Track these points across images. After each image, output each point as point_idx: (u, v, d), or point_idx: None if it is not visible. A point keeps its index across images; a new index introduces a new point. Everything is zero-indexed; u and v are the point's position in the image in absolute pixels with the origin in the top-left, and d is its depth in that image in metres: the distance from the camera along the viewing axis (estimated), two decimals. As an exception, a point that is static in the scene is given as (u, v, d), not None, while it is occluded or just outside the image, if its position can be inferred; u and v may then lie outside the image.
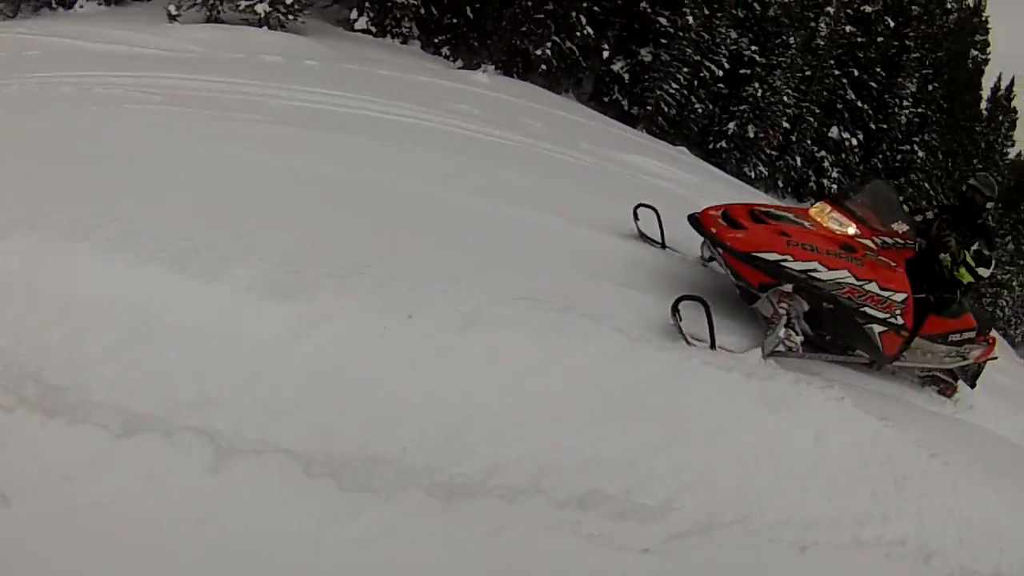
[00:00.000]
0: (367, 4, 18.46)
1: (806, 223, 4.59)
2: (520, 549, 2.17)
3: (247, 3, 15.66)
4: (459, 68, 18.62)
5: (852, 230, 4.57)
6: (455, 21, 20.61)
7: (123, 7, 18.66)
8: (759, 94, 25.84)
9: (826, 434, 3.11)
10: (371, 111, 7.68)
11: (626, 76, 23.90)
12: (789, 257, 4.29)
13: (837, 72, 28.28)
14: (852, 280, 4.44)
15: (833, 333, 4.94)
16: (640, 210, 5.55)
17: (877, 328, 4.68)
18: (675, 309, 4.15)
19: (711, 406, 3.03)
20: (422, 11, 19.57)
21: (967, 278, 5.13)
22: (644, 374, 3.11)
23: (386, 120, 7.33)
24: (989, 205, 5.35)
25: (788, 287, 4.37)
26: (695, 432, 2.87)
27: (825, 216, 4.61)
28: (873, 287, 4.52)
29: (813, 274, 4.35)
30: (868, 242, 4.61)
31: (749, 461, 2.80)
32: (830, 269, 4.38)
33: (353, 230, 3.83)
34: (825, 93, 28.08)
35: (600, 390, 2.94)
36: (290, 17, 16.11)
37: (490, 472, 2.46)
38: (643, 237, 5.54)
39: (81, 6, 19.02)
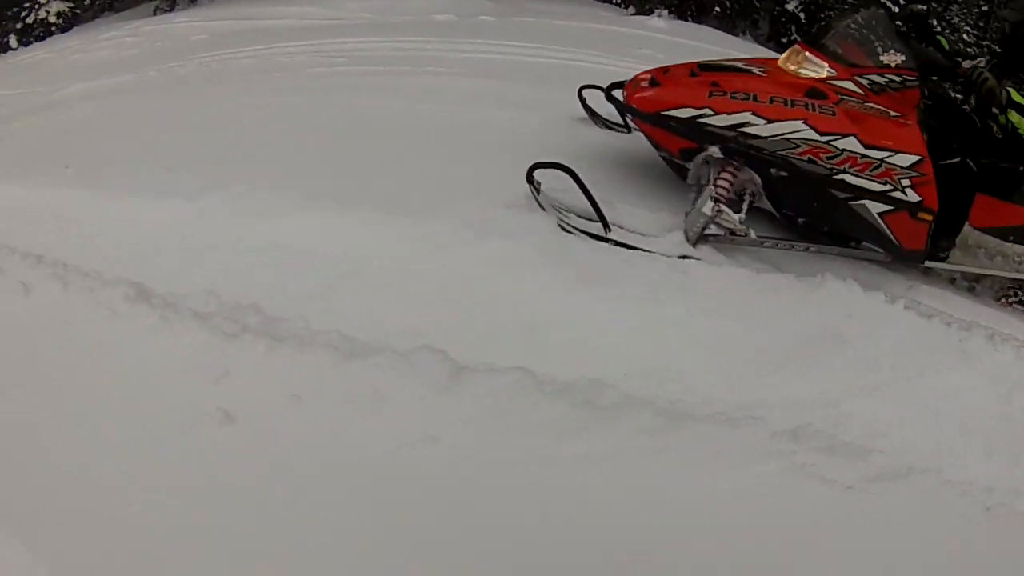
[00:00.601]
0: None
1: (758, 70, 3.92)
2: (739, 473, 2.35)
3: None
4: (632, 15, 18.98)
5: (821, 70, 3.79)
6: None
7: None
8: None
9: (1015, 396, 3.06)
10: (555, 59, 8.03)
11: (802, 15, 23.46)
12: (708, 110, 3.69)
13: None
14: (810, 134, 3.60)
15: (808, 215, 4.00)
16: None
17: (873, 206, 3.70)
18: (530, 178, 3.84)
19: (908, 354, 3.18)
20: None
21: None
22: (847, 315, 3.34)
23: (571, 67, 7.69)
24: None
25: (715, 150, 3.75)
26: (890, 379, 3.04)
27: (795, 61, 3.87)
28: (851, 144, 3.60)
29: (745, 129, 3.65)
30: (847, 83, 3.75)
31: (939, 413, 2.90)
32: (770, 121, 3.62)
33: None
34: None
35: (804, 331, 3.21)
36: None
37: (706, 401, 2.71)
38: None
39: (236, -8, 21.16)
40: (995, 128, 3.90)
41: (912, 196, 3.64)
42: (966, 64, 4.06)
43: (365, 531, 2.12)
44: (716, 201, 3.66)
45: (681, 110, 3.73)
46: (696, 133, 3.74)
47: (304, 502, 2.20)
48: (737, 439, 2.44)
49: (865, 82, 3.75)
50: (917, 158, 3.61)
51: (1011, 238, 3.95)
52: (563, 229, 3.75)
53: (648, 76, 4.02)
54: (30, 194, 4.93)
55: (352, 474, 2.29)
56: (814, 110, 3.62)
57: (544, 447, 2.30)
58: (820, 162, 3.61)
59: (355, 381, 2.55)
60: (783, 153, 3.63)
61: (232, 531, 2.12)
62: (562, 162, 3.71)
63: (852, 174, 3.62)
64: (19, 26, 26.18)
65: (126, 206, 4.22)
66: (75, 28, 25.29)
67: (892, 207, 3.67)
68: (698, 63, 4.09)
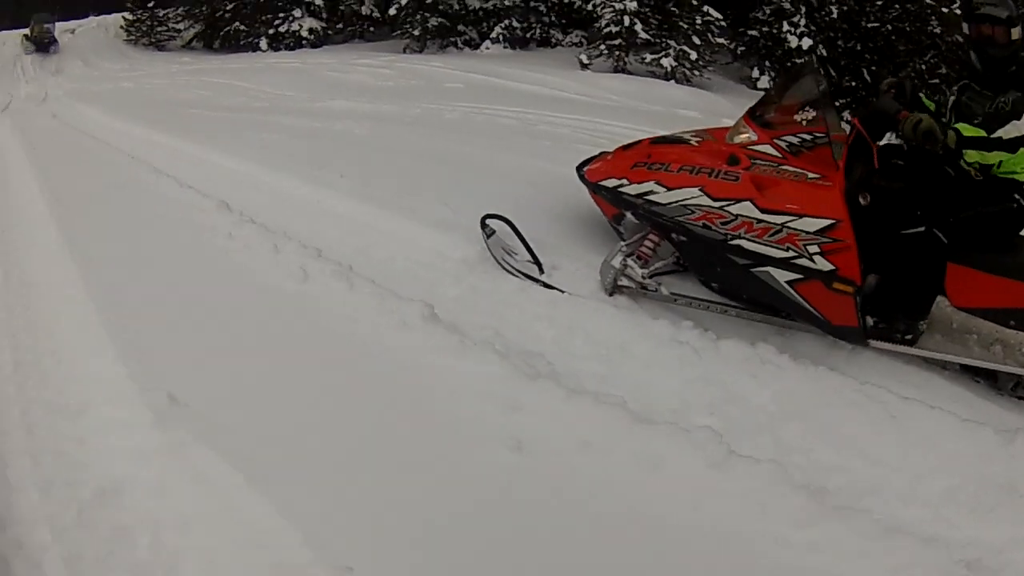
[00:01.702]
0: (767, 63, 19.16)
1: (696, 141, 4.02)
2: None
3: (654, 56, 17.51)
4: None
5: (746, 137, 3.81)
6: (853, 84, 20.76)
7: (528, 51, 21.37)
8: None
9: None
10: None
11: None
12: (625, 180, 3.92)
13: None
14: (704, 200, 3.59)
15: (718, 281, 3.95)
16: None
17: (779, 274, 3.49)
18: (483, 224, 4.28)
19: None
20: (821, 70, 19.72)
21: (988, 159, 3.29)
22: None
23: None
24: (1017, 35, 3.37)
25: (629, 216, 4.00)
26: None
27: (733, 130, 3.93)
28: (746, 208, 3.49)
29: (649, 197, 3.79)
30: (765, 147, 3.70)
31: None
32: (670, 189, 3.72)
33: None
34: None
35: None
36: (695, 72, 17.57)
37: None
38: None
39: (488, 47, 22.50)
40: (973, 172, 3.44)
41: (823, 264, 3.39)
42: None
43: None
44: (626, 256, 3.88)
45: (608, 180, 4.05)
46: (616, 200, 4.03)
47: (580, 538, 2.41)
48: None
49: (783, 144, 3.67)
50: (828, 222, 3.36)
51: (1012, 322, 3.47)
52: (504, 270, 4.16)
53: (614, 150, 4.37)
54: (302, 188, 5.70)
55: (624, 523, 2.48)
56: (716, 176, 3.63)
57: (782, 529, 2.47)
58: (714, 227, 3.57)
59: (640, 441, 2.77)
60: (679, 219, 3.69)
61: (521, 544, 2.35)
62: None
63: (748, 239, 3.50)
64: (271, 31, 29.03)
65: (402, 227, 4.76)
66: (324, 47, 27.76)
67: (800, 275, 3.45)
68: (657, 137, 4.32)
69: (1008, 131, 3.27)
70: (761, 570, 2.35)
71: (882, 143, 3.71)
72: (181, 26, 34.96)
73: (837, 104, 17.62)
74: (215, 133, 8.37)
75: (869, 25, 19.74)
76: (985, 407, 3.32)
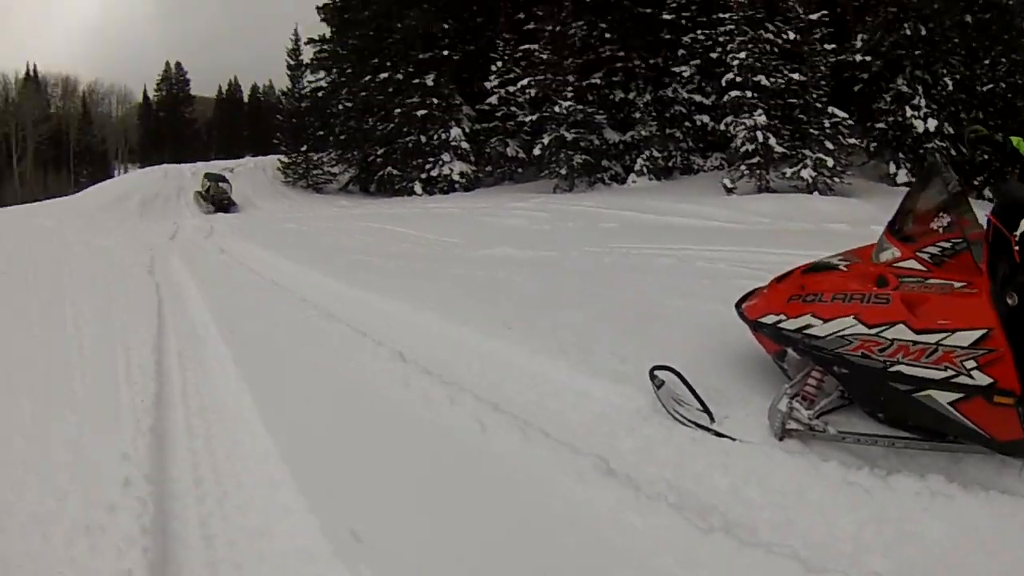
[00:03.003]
0: (901, 156, 19.01)
1: (845, 265, 3.94)
2: None
3: (792, 169, 17.88)
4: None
5: (890, 254, 3.68)
6: (987, 156, 19.75)
7: (672, 180, 22.13)
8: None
9: None
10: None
11: None
12: (783, 315, 3.86)
13: None
14: (860, 328, 3.48)
15: (882, 411, 3.74)
16: None
17: (940, 396, 3.29)
18: (652, 376, 4.26)
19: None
20: (952, 152, 18.94)
21: None
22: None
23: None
24: None
25: (791, 352, 3.95)
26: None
27: (877, 247, 3.82)
28: (900, 332, 3.34)
29: (807, 331, 3.71)
30: (909, 263, 3.57)
31: None
32: (826, 320, 3.63)
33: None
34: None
35: None
36: (835, 179, 17.78)
37: None
38: None
39: (634, 181, 23.21)
40: None
41: (981, 379, 3.17)
42: None
43: None
44: (791, 399, 3.80)
45: (767, 316, 4.01)
46: (776, 337, 3.97)
47: None
48: None
49: (926, 256, 3.53)
50: (981, 332, 3.17)
51: None
52: (676, 420, 4.09)
53: (769, 283, 4.34)
54: (471, 337, 5.85)
55: None
56: (868, 302, 3.52)
57: None
58: (873, 356, 3.44)
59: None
60: (838, 351, 3.58)
61: None
62: None
63: (907, 364, 3.34)
64: (423, 176, 30.85)
65: (574, 378, 4.81)
66: (477, 189, 29.24)
67: (961, 394, 3.23)
68: (808, 266, 4.20)
69: None
70: None
71: (1019, 232, 3.52)
72: (336, 169, 37.70)
73: (977, 182, 17.81)
74: (383, 280, 8.85)
75: (984, 88, 19.53)
76: None
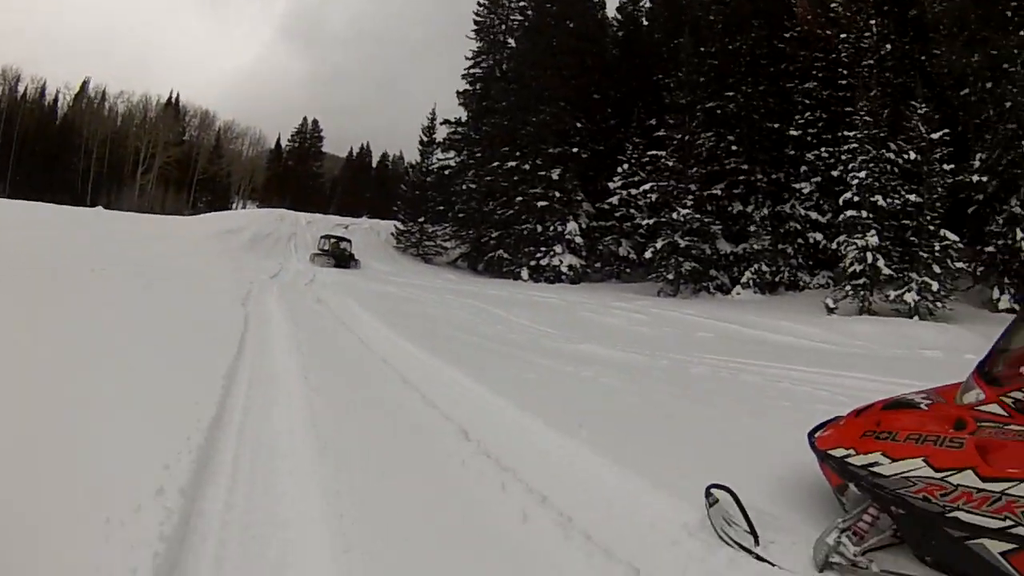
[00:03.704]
0: (1007, 280, 18.31)
1: (926, 404, 3.82)
2: None
3: (896, 293, 17.45)
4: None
5: (974, 395, 3.50)
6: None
7: (776, 295, 21.85)
8: None
9: None
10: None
11: None
12: (853, 451, 3.79)
13: None
14: (926, 471, 3.36)
15: (931, 554, 3.52)
16: None
17: (994, 545, 3.13)
18: (708, 493, 4.16)
19: None
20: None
21: None
22: None
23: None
24: None
25: (852, 487, 3.84)
26: None
27: (963, 388, 3.64)
28: (967, 478, 3.19)
29: (873, 469, 3.62)
30: (991, 407, 3.36)
31: None
32: (894, 460, 3.53)
33: None
34: None
35: None
36: (938, 304, 17.23)
37: None
38: None
39: (739, 293, 23.03)
40: None
41: None
42: None
43: None
44: (841, 532, 3.68)
45: (837, 450, 3.92)
46: (842, 471, 3.87)
47: None
48: None
49: (1009, 401, 3.33)
50: None
51: None
52: (720, 539, 3.97)
53: (847, 415, 4.25)
54: (540, 429, 5.78)
55: None
56: (941, 444, 3.40)
57: None
58: (934, 500, 3.32)
59: None
60: (900, 491, 3.48)
61: None
62: None
63: (966, 511, 3.20)
64: (532, 263, 31.34)
65: (631, 484, 4.73)
66: (582, 283, 29.49)
67: (1016, 545, 3.07)
68: (889, 401, 4.09)
69: None
70: None
71: None
72: (448, 244, 38.77)
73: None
74: (470, 358, 8.93)
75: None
76: None
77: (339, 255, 31.28)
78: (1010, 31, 18.35)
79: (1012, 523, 3.11)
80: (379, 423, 5.86)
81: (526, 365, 8.87)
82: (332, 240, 33.17)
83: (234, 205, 80.00)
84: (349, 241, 33.69)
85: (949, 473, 3.31)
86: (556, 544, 3.93)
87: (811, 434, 4.39)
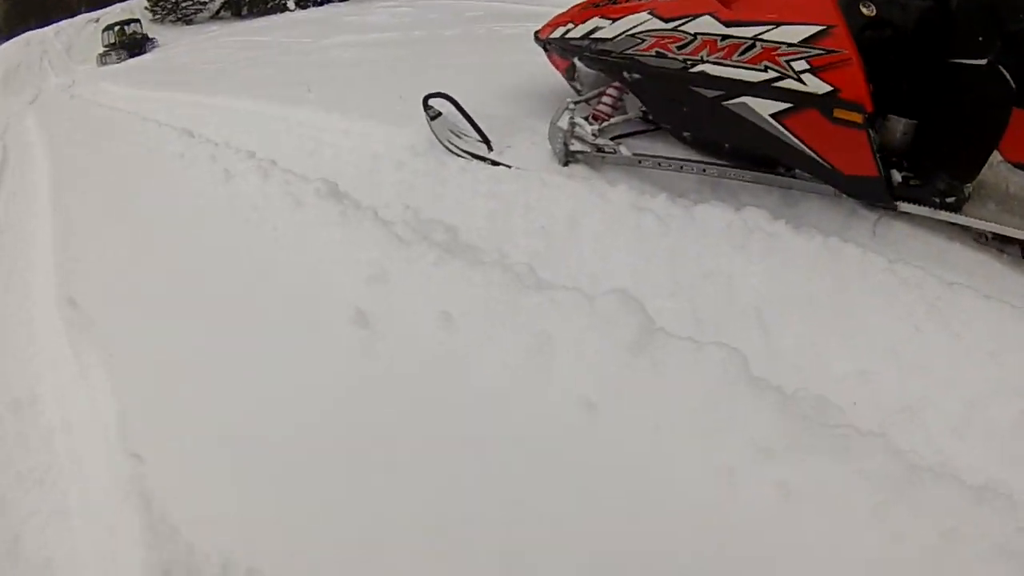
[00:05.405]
0: None
1: None
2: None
3: None
4: None
5: None
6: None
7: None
8: None
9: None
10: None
11: None
12: (571, 24, 3.67)
13: None
14: (655, 23, 3.01)
15: (686, 127, 3.30)
16: None
17: (758, 104, 2.75)
18: (426, 106, 4.17)
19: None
20: None
21: None
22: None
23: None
24: None
25: (578, 62, 3.76)
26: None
27: None
28: (706, 24, 2.81)
29: (595, 35, 3.38)
30: None
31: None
32: (615, 20, 3.26)
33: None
34: None
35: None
36: None
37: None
38: None
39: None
40: None
41: (815, 84, 2.57)
42: None
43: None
44: (574, 114, 3.53)
45: (556, 31, 3.86)
46: (564, 49, 3.82)
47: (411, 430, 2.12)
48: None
49: None
50: (816, 29, 2.55)
51: None
52: (450, 151, 4.03)
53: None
54: (270, 108, 6.04)
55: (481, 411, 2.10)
56: None
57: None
58: (670, 54, 2.96)
59: (524, 315, 2.30)
60: (629, 52, 3.17)
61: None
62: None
63: (712, 62, 2.82)
64: (297, -10, 29.48)
65: (354, 126, 4.90)
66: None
67: (788, 103, 2.67)
68: None
69: None
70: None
71: None
72: (206, -4, 35.68)
73: None
74: (212, 82, 8.78)
75: None
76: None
77: (130, 42, 27.27)
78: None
79: (776, 75, 2.66)
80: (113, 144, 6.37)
81: (269, 67, 8.92)
82: (116, 29, 29.02)
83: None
84: (138, 21, 29.78)
85: (682, 21, 2.92)
86: (260, 184, 4.05)
87: (536, 32, 4.29)
